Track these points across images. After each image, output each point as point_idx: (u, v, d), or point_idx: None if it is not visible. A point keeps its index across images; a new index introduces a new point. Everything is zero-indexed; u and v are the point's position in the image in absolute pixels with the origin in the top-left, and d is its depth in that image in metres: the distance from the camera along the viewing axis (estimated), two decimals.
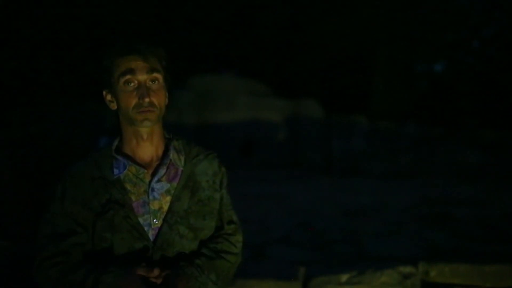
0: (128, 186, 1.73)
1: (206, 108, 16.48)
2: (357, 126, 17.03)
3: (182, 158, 1.82)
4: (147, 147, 1.77)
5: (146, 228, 1.70)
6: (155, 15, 20.52)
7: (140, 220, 1.71)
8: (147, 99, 1.67)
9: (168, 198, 1.74)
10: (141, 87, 1.68)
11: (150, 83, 1.70)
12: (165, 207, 1.73)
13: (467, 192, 10.23)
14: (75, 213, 1.71)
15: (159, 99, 1.71)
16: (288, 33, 22.75)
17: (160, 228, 1.71)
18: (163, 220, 1.72)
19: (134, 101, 1.68)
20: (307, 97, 17.98)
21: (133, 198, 1.72)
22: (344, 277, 3.44)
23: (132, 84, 1.69)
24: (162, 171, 1.76)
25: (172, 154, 1.79)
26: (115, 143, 1.80)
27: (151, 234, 1.71)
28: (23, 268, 3.76)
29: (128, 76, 1.68)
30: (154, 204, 1.73)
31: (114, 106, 1.76)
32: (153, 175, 1.75)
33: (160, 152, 1.80)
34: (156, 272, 1.60)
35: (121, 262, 1.65)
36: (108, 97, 1.77)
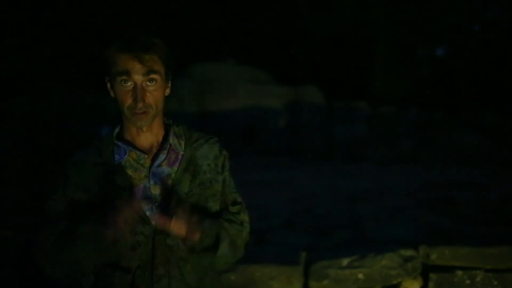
0: (129, 172, 1.75)
1: (207, 96, 16.47)
2: (358, 112, 17.00)
3: (183, 143, 1.84)
4: (147, 135, 1.79)
5: (147, 213, 1.72)
6: (155, 3, 20.43)
7: (142, 204, 1.72)
8: (140, 104, 1.67)
9: (169, 182, 1.76)
10: (136, 89, 1.68)
11: (147, 83, 1.69)
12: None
13: (469, 176, 10.24)
14: (76, 199, 1.73)
15: (156, 99, 1.71)
16: (288, 20, 22.64)
17: None
18: None
19: (129, 101, 1.69)
20: (308, 83, 17.94)
21: (134, 183, 1.74)
22: (345, 261, 3.47)
23: (128, 83, 1.68)
24: (163, 156, 1.78)
25: (172, 139, 1.81)
26: (116, 130, 1.83)
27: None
28: (26, 257, 3.79)
29: (124, 77, 1.67)
30: (155, 188, 1.74)
31: (113, 94, 1.77)
32: (154, 160, 1.77)
33: (160, 138, 1.82)
34: (135, 204, 1.60)
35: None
36: (109, 85, 1.78)
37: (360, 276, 3.43)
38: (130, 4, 18.82)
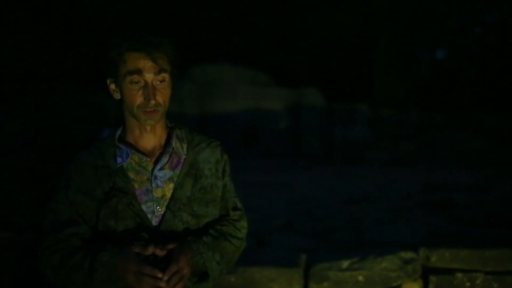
0: (131, 174, 1.75)
1: (207, 98, 16.48)
2: (358, 114, 17.00)
3: (185, 146, 1.84)
4: (150, 137, 1.79)
5: (149, 216, 1.73)
6: (156, 4, 20.44)
7: (144, 207, 1.73)
8: (152, 102, 1.68)
9: (171, 186, 1.77)
10: (147, 88, 1.68)
11: (157, 82, 1.70)
12: (168, 195, 1.76)
13: (469, 178, 10.24)
14: (79, 202, 1.73)
15: (165, 97, 1.72)
16: (288, 22, 22.66)
17: (163, 215, 1.74)
18: (166, 207, 1.75)
19: (139, 100, 1.69)
20: (308, 85, 17.94)
21: (136, 186, 1.74)
22: (345, 263, 3.47)
23: (138, 83, 1.69)
24: (165, 159, 1.78)
25: (175, 143, 1.81)
26: (118, 132, 1.82)
27: (154, 221, 1.73)
28: (26, 258, 3.79)
29: (135, 76, 1.68)
30: (157, 191, 1.75)
31: (118, 96, 1.77)
32: (156, 163, 1.77)
33: (163, 141, 1.82)
34: (150, 250, 1.61)
35: (119, 243, 1.67)
36: (112, 86, 1.77)
37: (360, 278, 3.42)
38: (131, 5, 18.83)
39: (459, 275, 3.42)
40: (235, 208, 1.91)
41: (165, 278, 1.56)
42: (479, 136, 15.27)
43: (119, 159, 1.76)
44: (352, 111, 16.83)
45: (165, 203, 1.75)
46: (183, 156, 1.81)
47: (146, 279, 1.55)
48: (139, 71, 1.67)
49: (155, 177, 1.75)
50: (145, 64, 1.67)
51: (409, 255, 3.54)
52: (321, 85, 18.60)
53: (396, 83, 23.46)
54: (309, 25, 22.53)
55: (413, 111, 17.98)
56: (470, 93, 23.44)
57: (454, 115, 17.91)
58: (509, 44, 23.39)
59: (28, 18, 14.84)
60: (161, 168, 1.77)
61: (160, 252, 1.62)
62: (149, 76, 1.68)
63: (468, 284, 3.39)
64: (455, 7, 24.59)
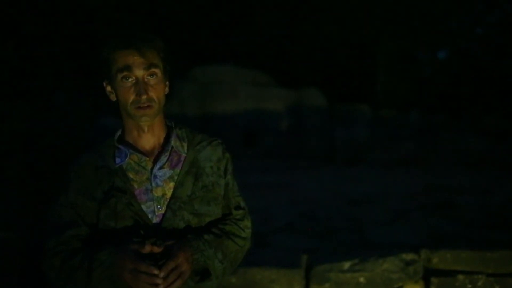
0: (130, 174, 1.74)
1: (208, 98, 16.47)
2: (360, 115, 16.97)
3: (185, 145, 1.83)
4: (149, 137, 1.78)
5: (150, 215, 1.72)
6: (156, 5, 20.46)
7: (143, 207, 1.72)
8: (144, 96, 1.67)
9: (172, 185, 1.75)
10: (138, 83, 1.68)
11: (148, 77, 1.69)
12: (169, 194, 1.75)
13: (471, 180, 10.21)
14: (79, 204, 1.73)
15: (158, 93, 1.71)
16: (290, 22, 22.67)
17: (164, 214, 1.73)
18: (167, 206, 1.73)
19: (132, 97, 1.69)
20: (310, 86, 17.92)
21: (135, 185, 1.73)
22: (346, 265, 3.46)
23: (130, 80, 1.69)
24: (164, 158, 1.77)
25: (174, 141, 1.80)
26: (118, 133, 1.82)
27: (155, 221, 1.72)
28: (26, 258, 3.79)
29: (125, 73, 1.68)
30: (157, 191, 1.74)
31: (114, 98, 1.77)
32: (155, 162, 1.76)
33: (162, 139, 1.81)
34: (147, 248, 1.59)
35: (119, 243, 1.66)
36: (108, 88, 1.78)
37: (362, 279, 3.41)
38: (131, 6, 18.84)
39: (461, 277, 3.41)
40: (238, 207, 1.89)
41: (162, 274, 1.55)
42: (480, 137, 15.24)
43: (118, 160, 1.76)
44: (353, 112, 16.79)
45: (166, 202, 1.74)
46: (184, 155, 1.80)
47: (143, 277, 1.54)
48: (128, 68, 1.67)
49: (155, 176, 1.74)
50: (134, 60, 1.67)
51: (410, 256, 3.53)
52: (322, 86, 18.57)
53: (397, 83, 23.45)
54: (310, 25, 22.52)
55: (414, 112, 17.94)
56: (472, 93, 23.40)
57: (456, 116, 17.88)
58: (510, 44, 23.35)
59: (22, 20, 14.83)
60: (161, 167, 1.76)
61: (157, 249, 1.61)
62: (139, 72, 1.68)
63: (469, 286, 3.38)
64: (456, 8, 24.57)
